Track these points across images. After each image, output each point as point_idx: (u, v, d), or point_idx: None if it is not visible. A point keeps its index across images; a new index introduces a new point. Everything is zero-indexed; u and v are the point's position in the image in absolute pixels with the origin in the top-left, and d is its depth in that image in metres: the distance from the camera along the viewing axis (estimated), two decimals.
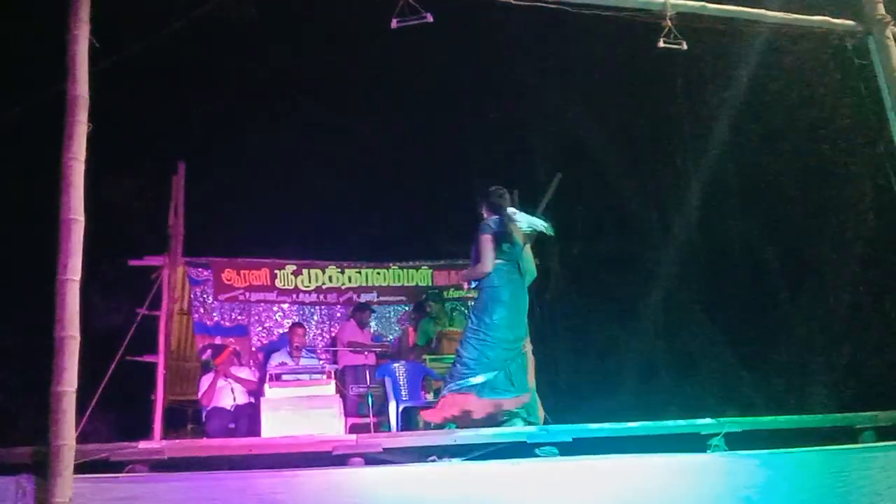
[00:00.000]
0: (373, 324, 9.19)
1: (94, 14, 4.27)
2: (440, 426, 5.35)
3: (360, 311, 8.59)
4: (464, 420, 5.25)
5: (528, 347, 8.75)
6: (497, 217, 5.52)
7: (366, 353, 8.29)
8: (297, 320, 8.72)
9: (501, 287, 5.37)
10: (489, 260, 5.33)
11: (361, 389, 7.57)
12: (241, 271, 8.82)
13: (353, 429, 7.12)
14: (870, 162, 9.32)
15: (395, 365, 7.19)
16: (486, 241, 5.38)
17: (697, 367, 11.22)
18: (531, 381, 5.95)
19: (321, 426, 5.98)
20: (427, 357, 7.86)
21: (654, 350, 11.76)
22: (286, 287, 8.93)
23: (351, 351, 8.19)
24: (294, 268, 9.00)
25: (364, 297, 9.07)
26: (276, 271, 8.92)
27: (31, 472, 3.82)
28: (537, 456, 4.61)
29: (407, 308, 9.23)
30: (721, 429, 4.81)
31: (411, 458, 4.65)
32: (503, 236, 5.42)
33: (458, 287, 9.21)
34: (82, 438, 3.98)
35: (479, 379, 5.21)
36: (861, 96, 6.67)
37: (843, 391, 9.24)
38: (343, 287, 9.10)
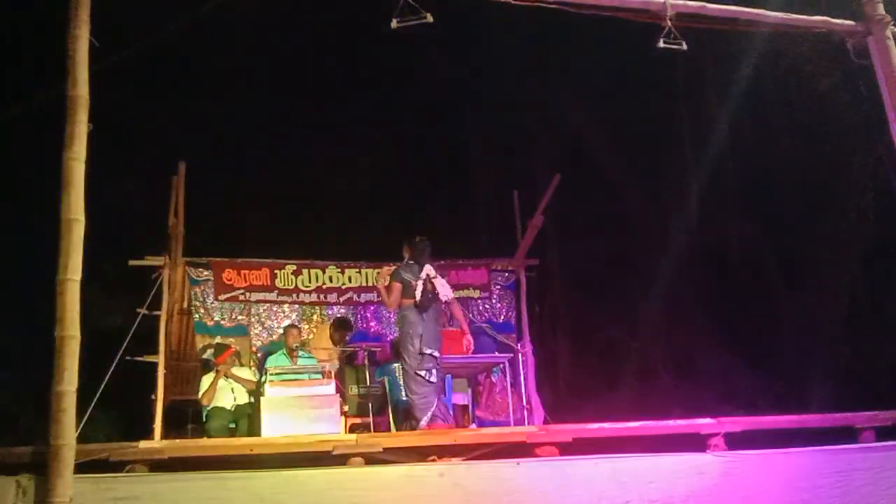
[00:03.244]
0: (372, 325, 9.18)
1: (94, 14, 4.27)
2: None
3: (335, 330, 8.38)
4: None
5: (528, 348, 8.82)
6: (414, 265, 6.43)
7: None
8: (293, 320, 8.73)
9: (415, 323, 6.26)
10: (394, 302, 6.39)
11: (361, 389, 7.57)
12: (242, 271, 8.82)
13: (353, 429, 7.12)
14: (870, 162, 9.32)
15: (395, 365, 7.18)
16: (396, 290, 6.35)
17: (697, 367, 11.22)
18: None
19: (321, 426, 5.98)
20: None
21: (655, 350, 11.76)
22: (286, 287, 8.92)
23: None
24: (294, 268, 9.00)
25: (364, 297, 9.06)
26: (276, 271, 8.91)
27: (31, 472, 3.82)
28: (537, 456, 4.62)
29: None
30: (720, 430, 4.81)
31: (411, 458, 4.66)
32: (413, 281, 6.31)
33: (458, 287, 9.22)
34: (82, 438, 3.98)
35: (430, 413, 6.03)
36: (861, 96, 6.67)
37: (843, 391, 9.23)
38: (343, 287, 9.09)
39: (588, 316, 11.76)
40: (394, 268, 6.51)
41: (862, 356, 9.75)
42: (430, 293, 6.35)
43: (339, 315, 8.86)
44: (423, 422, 5.96)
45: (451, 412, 6.84)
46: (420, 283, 6.33)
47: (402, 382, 6.59)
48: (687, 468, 4.58)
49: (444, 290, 6.49)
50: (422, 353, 6.17)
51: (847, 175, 9.98)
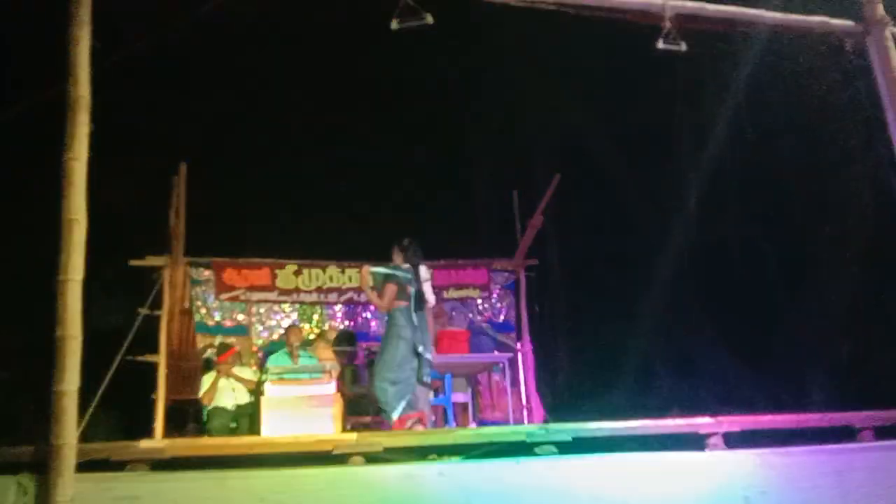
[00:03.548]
0: (372, 324, 9.20)
1: (94, 14, 4.27)
2: None
3: (338, 342, 8.60)
4: None
5: (527, 347, 8.83)
6: (408, 267, 6.42)
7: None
8: (294, 320, 8.75)
9: (405, 326, 6.23)
10: (388, 304, 6.28)
11: (361, 389, 7.58)
12: (242, 271, 8.85)
13: (353, 428, 7.13)
14: (870, 162, 9.32)
15: None
16: (391, 291, 6.28)
17: (697, 367, 11.23)
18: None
19: (321, 425, 5.99)
20: None
21: (654, 350, 11.76)
22: (287, 287, 8.95)
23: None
24: (295, 267, 9.03)
25: (364, 297, 9.07)
26: (276, 271, 8.94)
27: (32, 472, 3.83)
28: (537, 455, 4.62)
29: None
30: (719, 429, 4.82)
31: (411, 458, 4.66)
32: (408, 284, 6.33)
33: (458, 287, 9.24)
34: (83, 438, 3.99)
35: (402, 405, 6.12)
36: (861, 96, 6.67)
37: (843, 391, 9.24)
38: (343, 287, 9.12)
39: (588, 316, 11.76)
40: (375, 268, 6.53)
41: (862, 356, 9.75)
42: (425, 296, 6.40)
43: (341, 314, 8.92)
44: (395, 415, 6.06)
45: (452, 410, 6.95)
46: (427, 285, 6.40)
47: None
48: (686, 467, 4.59)
49: (430, 295, 6.55)
50: (419, 356, 6.21)
51: (847, 175, 9.98)
